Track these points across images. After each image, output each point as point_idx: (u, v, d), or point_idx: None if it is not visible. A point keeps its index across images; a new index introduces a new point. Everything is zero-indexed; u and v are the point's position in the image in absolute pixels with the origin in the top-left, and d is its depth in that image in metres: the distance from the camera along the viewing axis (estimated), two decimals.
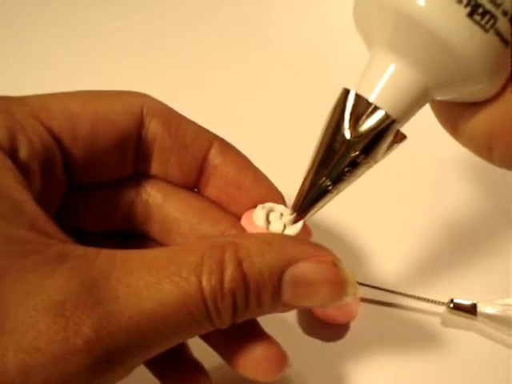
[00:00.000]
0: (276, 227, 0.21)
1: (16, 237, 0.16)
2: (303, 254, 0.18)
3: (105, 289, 0.16)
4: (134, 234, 0.24)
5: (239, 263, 0.17)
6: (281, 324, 0.26)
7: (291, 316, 0.27)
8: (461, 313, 0.26)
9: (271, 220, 0.21)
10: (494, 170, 0.20)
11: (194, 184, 0.24)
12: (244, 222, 0.22)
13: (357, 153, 0.19)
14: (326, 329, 0.26)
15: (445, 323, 0.27)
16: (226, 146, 0.23)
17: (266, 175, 0.23)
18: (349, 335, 0.26)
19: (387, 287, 0.27)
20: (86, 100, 0.22)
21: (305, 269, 0.18)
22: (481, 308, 0.26)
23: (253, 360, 0.20)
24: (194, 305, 0.17)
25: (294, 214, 0.21)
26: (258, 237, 0.19)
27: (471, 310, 0.26)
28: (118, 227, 0.24)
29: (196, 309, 0.17)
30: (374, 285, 0.27)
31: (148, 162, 0.23)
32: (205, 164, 0.23)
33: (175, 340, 0.18)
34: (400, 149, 0.20)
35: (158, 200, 0.23)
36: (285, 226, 0.21)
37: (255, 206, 0.22)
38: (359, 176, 0.20)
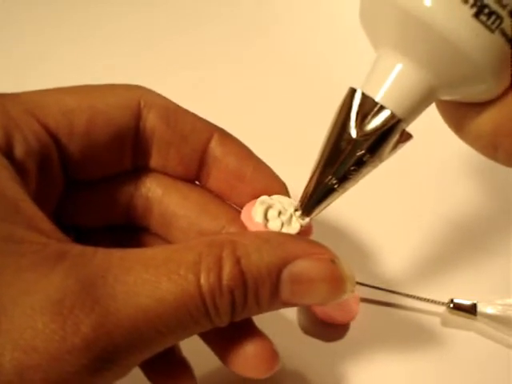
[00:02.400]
0: (274, 225, 0.21)
1: (13, 236, 0.16)
2: (301, 251, 0.18)
3: (102, 287, 0.16)
4: (134, 228, 0.24)
5: (237, 261, 0.17)
6: (281, 324, 0.26)
7: (291, 316, 0.27)
8: (461, 313, 0.26)
9: (269, 218, 0.21)
10: (496, 169, 0.20)
11: (194, 176, 0.23)
12: (243, 216, 0.22)
13: (363, 152, 0.19)
14: (326, 329, 0.26)
15: (445, 323, 0.27)
16: (226, 137, 0.23)
17: (267, 165, 0.23)
18: (349, 335, 0.26)
19: (387, 287, 0.27)
20: (82, 95, 0.21)
21: (303, 266, 0.18)
22: (481, 308, 0.26)
23: (244, 357, 0.20)
24: (192, 303, 0.17)
25: (300, 212, 0.21)
26: (256, 234, 0.19)
27: (471, 309, 0.26)
28: (117, 222, 0.24)
29: (194, 307, 0.17)
30: (374, 285, 0.27)
31: (147, 155, 0.23)
32: (205, 155, 0.23)
33: (173, 338, 0.17)
34: (404, 148, 0.20)
35: (157, 194, 0.23)
36: (282, 224, 0.21)
37: (257, 197, 0.22)
38: (365, 175, 0.20)
